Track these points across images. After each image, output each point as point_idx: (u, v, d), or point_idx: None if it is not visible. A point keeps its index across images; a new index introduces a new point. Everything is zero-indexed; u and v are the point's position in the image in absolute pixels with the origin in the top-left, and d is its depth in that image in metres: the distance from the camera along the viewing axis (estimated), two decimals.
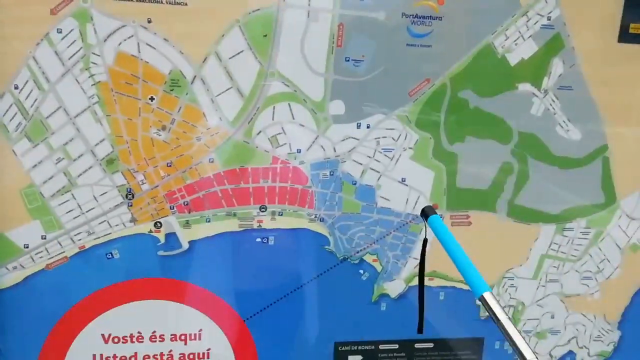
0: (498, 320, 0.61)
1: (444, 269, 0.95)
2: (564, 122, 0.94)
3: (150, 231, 0.83)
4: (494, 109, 0.91)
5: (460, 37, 0.88)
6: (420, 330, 0.85)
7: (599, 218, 1.00)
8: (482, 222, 0.95)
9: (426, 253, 0.83)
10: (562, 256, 1.00)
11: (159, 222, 0.83)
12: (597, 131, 0.96)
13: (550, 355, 1.04)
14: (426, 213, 0.76)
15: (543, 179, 0.96)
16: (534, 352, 0.58)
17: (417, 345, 0.97)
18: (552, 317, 1.03)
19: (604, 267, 1.03)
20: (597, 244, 1.01)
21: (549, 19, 0.90)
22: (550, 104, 0.93)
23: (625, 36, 0.93)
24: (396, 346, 0.96)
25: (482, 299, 0.63)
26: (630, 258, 1.03)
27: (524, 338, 0.59)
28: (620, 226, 1.01)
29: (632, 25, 0.94)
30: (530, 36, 0.90)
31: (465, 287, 0.97)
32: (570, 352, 1.05)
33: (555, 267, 1.00)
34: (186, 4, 0.77)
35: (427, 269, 0.94)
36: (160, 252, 0.84)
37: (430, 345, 0.98)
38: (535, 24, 0.89)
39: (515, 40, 0.89)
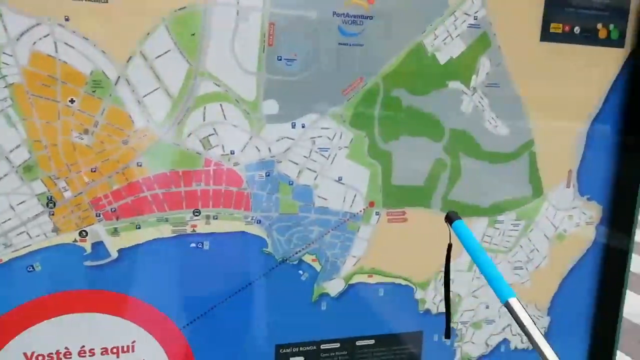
0: (523, 326, 0.59)
1: (382, 266, 0.95)
2: (492, 118, 0.97)
3: (75, 241, 0.78)
4: (426, 107, 0.92)
5: (392, 36, 0.88)
6: (447, 335, 0.81)
7: (528, 210, 1.04)
8: (418, 218, 0.96)
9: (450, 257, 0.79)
10: (494, 248, 1.03)
11: (84, 230, 0.78)
12: (524, 127, 1.00)
13: (486, 344, 1.07)
14: (450, 218, 0.73)
15: (474, 174, 0.98)
16: (557, 355, 0.57)
17: (358, 343, 0.97)
18: (487, 307, 1.05)
19: (534, 257, 1.07)
20: (526, 235, 1.05)
21: (475, 18, 0.91)
22: (479, 101, 0.95)
23: (546, 35, 0.97)
24: (337, 345, 0.96)
25: (507, 305, 0.61)
26: (557, 247, 1.07)
27: (548, 342, 0.57)
28: (548, 217, 1.05)
29: (552, 24, 0.97)
30: (458, 35, 0.91)
31: (404, 283, 0.98)
32: (505, 340, 1.09)
33: None
34: (107, 2, 0.73)
35: (366, 265, 0.94)
36: (87, 263, 0.79)
37: (372, 341, 0.98)
38: (462, 23, 0.91)
39: (444, 40, 0.90)
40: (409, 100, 0.91)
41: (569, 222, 1.08)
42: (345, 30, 0.85)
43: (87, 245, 0.79)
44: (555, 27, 0.98)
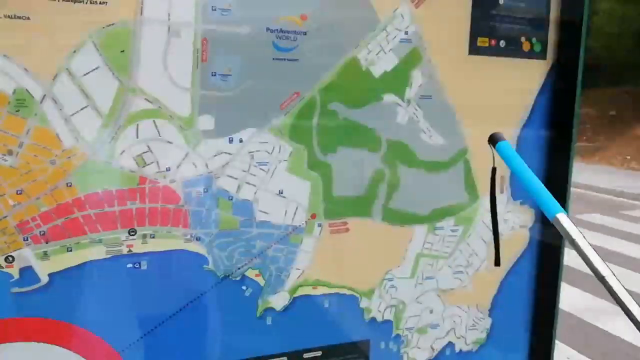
0: (573, 240, 0.56)
1: (326, 277, 0.94)
2: (427, 128, 0.98)
3: (1, 267, 0.73)
4: (362, 119, 0.92)
5: (326, 50, 0.88)
6: (498, 263, 0.81)
7: (465, 216, 1.05)
8: (359, 227, 0.95)
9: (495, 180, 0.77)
10: (435, 254, 1.04)
11: (10, 256, 0.73)
12: (457, 136, 1.02)
13: (432, 348, 1.07)
14: (494, 139, 0.70)
15: (413, 183, 0.99)
16: (608, 267, 0.54)
17: (305, 355, 0.95)
18: (431, 312, 1.06)
19: (473, 260, 1.08)
20: (465, 240, 1.06)
21: (406, 33, 0.93)
22: (414, 113, 0.96)
23: (474, 48, 0.99)
24: (285, 359, 0.93)
25: (556, 221, 0.59)
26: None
27: (598, 254, 0.55)
28: (484, 222, 1.07)
29: (479, 38, 1.00)
30: (391, 49, 0.92)
31: (348, 292, 0.97)
32: (450, 343, 1.09)
33: (430, 264, 1.04)
34: (28, 18, 0.69)
35: (310, 277, 0.93)
36: (15, 289, 0.74)
37: (319, 353, 0.96)
38: (394, 38, 0.92)
39: (377, 54, 0.91)
40: (345, 113, 0.91)
41: (505, 225, 1.10)
42: (279, 46, 0.84)
43: (15, 271, 0.73)
44: (482, 41, 1.01)
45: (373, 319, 1.00)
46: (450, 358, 1.10)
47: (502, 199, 1.08)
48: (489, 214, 1.07)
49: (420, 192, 1.00)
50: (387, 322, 1.02)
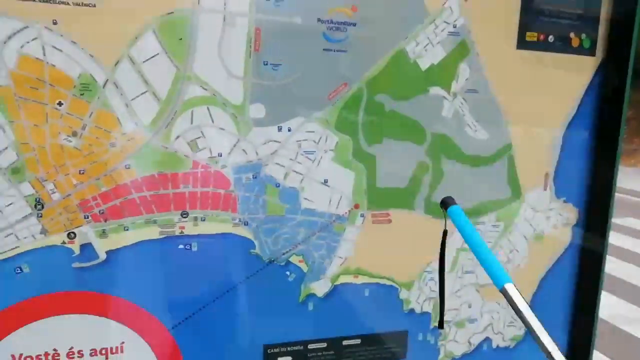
0: (519, 311, 0.57)
1: (367, 266, 0.93)
2: (472, 123, 0.96)
3: (64, 242, 0.75)
4: (408, 111, 0.91)
5: (375, 42, 0.87)
6: (441, 325, 0.78)
7: (507, 211, 1.03)
8: (402, 219, 0.94)
9: (445, 244, 0.76)
10: None
11: (72, 232, 0.75)
12: (502, 131, 0.99)
13: (469, 343, 1.05)
14: (446, 203, 0.70)
15: (456, 176, 0.97)
16: (555, 342, 0.55)
17: (344, 342, 0.94)
18: (470, 306, 1.04)
19: (513, 257, 1.05)
20: (506, 235, 1.04)
21: (454, 26, 0.91)
22: (459, 106, 0.94)
23: (522, 43, 0.97)
24: (324, 345, 0.93)
25: (504, 291, 0.58)
26: (535, 248, 1.06)
27: (544, 328, 0.55)
28: (526, 218, 1.04)
29: (528, 33, 0.97)
30: (438, 42, 0.91)
31: (388, 283, 0.96)
32: (487, 339, 1.07)
33: (470, 259, 1.02)
34: (94, 5, 0.71)
35: (351, 266, 0.92)
36: (75, 264, 0.76)
37: (358, 341, 0.95)
38: (442, 31, 0.90)
39: (425, 46, 0.90)
40: (392, 105, 0.90)
41: (547, 223, 1.07)
42: (329, 37, 0.84)
43: (76, 247, 0.76)
44: (531, 36, 0.98)
45: (412, 311, 0.99)
46: (487, 353, 1.07)
47: (545, 196, 1.05)
48: (532, 211, 1.05)
49: (462, 186, 0.98)
50: (426, 314, 1.00)
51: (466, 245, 0.99)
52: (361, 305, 0.95)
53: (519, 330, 1.09)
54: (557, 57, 1.00)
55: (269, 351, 0.90)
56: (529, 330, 0.56)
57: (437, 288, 1.00)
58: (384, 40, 0.87)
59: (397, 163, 0.93)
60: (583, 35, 1.02)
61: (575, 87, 1.03)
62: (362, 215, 0.91)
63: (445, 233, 0.74)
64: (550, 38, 0.99)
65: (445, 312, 1.01)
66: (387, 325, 0.98)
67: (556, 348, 0.54)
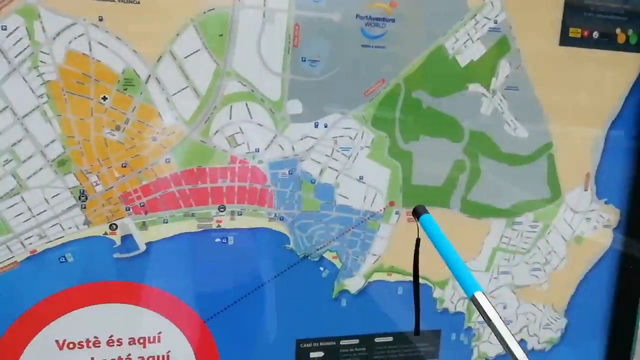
0: (489, 320, 0.56)
1: (401, 264, 0.92)
2: (512, 121, 0.94)
3: (106, 233, 0.77)
4: (446, 108, 0.89)
5: (413, 38, 0.86)
6: (417, 332, 0.78)
7: (546, 212, 1.00)
8: (436, 217, 0.90)
9: (419, 252, 0.76)
10: (512, 249, 0.99)
11: (114, 224, 0.77)
12: (542, 129, 0.96)
13: None
14: (418, 212, 0.70)
15: (493, 175, 0.95)
16: (525, 352, 0.54)
17: (377, 340, 0.94)
18: (505, 307, 1.02)
19: (552, 258, 1.02)
20: (544, 236, 1.01)
21: (495, 22, 0.89)
22: (499, 104, 0.92)
23: (565, 39, 0.93)
24: (357, 341, 0.93)
25: (474, 299, 0.58)
26: (574, 249, 1.03)
27: (515, 338, 0.55)
28: (565, 219, 1.01)
29: (571, 29, 0.94)
30: (478, 38, 0.88)
31: (422, 282, 0.94)
32: (522, 341, 1.05)
33: (506, 259, 0.99)
34: (139, 2, 0.72)
35: (385, 264, 0.92)
36: (116, 255, 0.78)
37: (390, 339, 0.95)
38: (483, 27, 0.88)
39: (464, 43, 0.88)
40: (429, 102, 0.88)
41: (587, 224, 1.03)
42: (367, 33, 0.83)
43: (117, 238, 0.77)
44: (574, 32, 0.95)
45: (445, 310, 0.98)
46: None
47: (586, 196, 1.02)
48: (572, 212, 1.02)
49: (500, 185, 0.96)
50: (459, 314, 0.99)
51: (503, 245, 0.98)
52: (394, 303, 0.94)
53: (555, 333, 1.06)
54: (602, 54, 0.96)
55: (301, 346, 0.90)
56: (499, 339, 0.55)
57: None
58: (422, 37, 0.86)
59: (434, 161, 0.91)
60: (630, 31, 0.97)
61: (619, 86, 0.99)
62: (397, 213, 0.90)
63: (418, 241, 0.75)
64: (595, 34, 0.96)
65: (478, 314, 0.99)
66: (420, 324, 0.96)
67: (525, 356, 0.53)
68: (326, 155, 0.85)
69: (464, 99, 0.90)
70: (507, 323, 1.00)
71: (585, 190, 1.01)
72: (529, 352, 1.05)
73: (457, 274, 0.61)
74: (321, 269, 0.89)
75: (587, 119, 0.99)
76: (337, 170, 0.86)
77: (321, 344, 0.91)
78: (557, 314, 1.05)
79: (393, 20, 0.83)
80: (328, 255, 0.89)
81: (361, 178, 0.88)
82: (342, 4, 0.81)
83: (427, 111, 0.88)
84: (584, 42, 0.95)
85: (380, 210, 0.89)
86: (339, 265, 0.89)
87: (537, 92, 0.94)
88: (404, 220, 0.91)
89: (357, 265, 0.91)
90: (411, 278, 0.93)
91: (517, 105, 0.93)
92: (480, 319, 0.99)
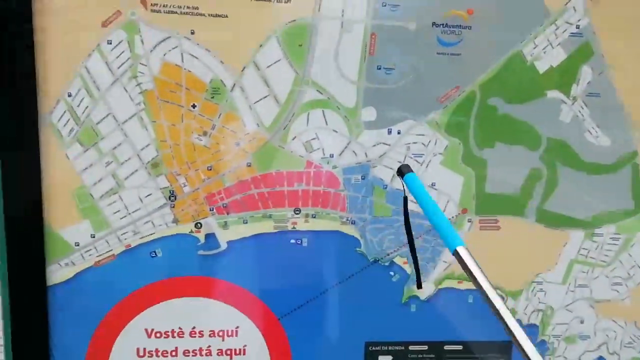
0: (472, 274, 0.56)
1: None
2: (593, 128, 0.89)
3: (191, 231, 0.81)
4: (523, 115, 0.87)
5: (490, 45, 0.84)
6: (419, 286, 0.80)
7: (629, 224, 0.94)
8: (511, 227, 0.90)
9: (407, 209, 0.76)
10: (591, 261, 0.94)
11: (199, 222, 0.81)
12: (627, 138, 0.90)
13: None
14: (402, 171, 0.70)
15: (572, 184, 0.90)
16: (509, 309, 0.55)
17: (446, 347, 0.92)
18: (582, 322, 0.96)
19: (635, 273, 0.96)
20: (627, 250, 0.94)
21: (577, 27, 0.85)
22: (579, 111, 0.88)
23: None
24: (425, 347, 0.92)
25: (456, 253, 0.58)
26: None
27: (498, 293, 0.56)
28: None
29: None
30: (559, 44, 0.85)
31: None
32: (601, 358, 0.98)
33: (584, 272, 0.94)
34: (227, 16, 0.76)
35: (456, 271, 0.90)
36: (200, 252, 0.82)
37: (460, 347, 0.92)
38: (564, 32, 0.85)
39: (544, 48, 0.85)
40: (505, 109, 0.86)
41: None
42: (443, 40, 0.82)
43: (201, 236, 0.82)
44: None
45: (518, 321, 0.93)
46: None
47: None
48: None
49: (579, 195, 0.91)
50: (533, 326, 0.95)
51: (582, 257, 0.93)
52: (464, 312, 0.92)
53: (639, 353, 0.99)
54: None
55: (370, 348, 0.90)
56: (480, 293, 0.55)
57: (546, 299, 0.94)
58: (499, 43, 0.84)
59: (509, 168, 0.88)
60: None
61: None
62: (469, 221, 0.89)
63: (405, 199, 0.76)
64: None
65: (553, 327, 0.95)
66: (491, 334, 0.94)
67: (506, 308, 0.55)
68: (398, 162, 0.85)
69: (542, 105, 0.87)
70: (584, 338, 0.96)
71: None
72: None
73: (440, 229, 0.61)
74: (391, 273, 0.88)
75: None
76: None
77: (390, 348, 0.91)
78: None
79: (470, 28, 0.82)
80: (398, 261, 0.88)
81: (433, 185, 0.87)
82: (418, 12, 0.81)
83: (502, 118, 0.86)
84: None
85: (453, 217, 0.88)
86: (409, 270, 0.89)
87: (622, 98, 0.89)
88: (477, 228, 0.89)
89: (427, 271, 0.90)
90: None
91: (600, 112, 0.88)
92: (555, 332, 0.95)
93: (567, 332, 0.96)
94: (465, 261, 0.57)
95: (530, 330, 0.95)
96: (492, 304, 0.55)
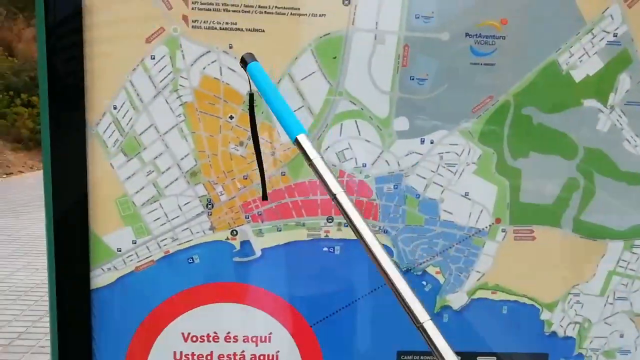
0: (311, 161, 0.56)
1: (507, 283, 0.89)
2: (632, 137, 0.87)
3: (227, 238, 0.83)
4: (558, 124, 0.85)
5: (524, 54, 0.83)
6: (265, 197, 0.80)
7: None
8: (547, 237, 0.88)
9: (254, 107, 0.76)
10: (631, 274, 0.91)
11: (235, 230, 0.83)
12: None
13: None
14: (245, 61, 0.69)
15: (610, 195, 0.88)
16: (360, 213, 0.56)
17: (479, 358, 0.91)
18: (622, 336, 0.93)
19: None
20: None
21: (615, 35, 0.83)
22: (617, 120, 0.86)
23: None
24: (458, 358, 0.90)
25: (297, 141, 0.58)
26: None
27: (341, 185, 0.56)
28: None
29: None
30: (595, 53, 0.84)
31: (529, 302, 0.90)
32: None
33: (624, 284, 0.92)
34: (263, 31, 0.78)
35: (490, 282, 0.89)
36: (236, 258, 0.84)
37: (493, 358, 0.91)
38: (600, 40, 0.83)
39: (580, 57, 0.84)
40: (540, 118, 0.85)
41: None
42: (477, 50, 0.82)
43: (237, 243, 0.84)
44: None
45: (554, 333, 0.92)
46: None
47: None
48: None
49: (618, 206, 0.89)
50: (569, 339, 0.92)
51: (621, 268, 0.91)
52: (498, 323, 0.91)
53: None
54: None
55: (402, 358, 0.90)
56: (318, 177, 0.55)
57: (583, 311, 0.92)
58: (534, 53, 0.83)
59: (544, 178, 0.87)
60: None
61: None
62: (503, 230, 0.88)
63: (251, 96, 0.75)
64: None
65: (591, 341, 0.92)
66: (525, 346, 0.92)
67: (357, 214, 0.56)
68: (431, 171, 0.85)
69: (578, 115, 0.85)
70: (624, 353, 0.93)
71: None
72: None
73: (281, 118, 0.61)
74: (424, 283, 0.88)
75: None
76: (442, 186, 0.86)
77: (422, 357, 0.90)
78: None
79: (503, 38, 0.82)
80: (431, 270, 0.88)
81: (467, 194, 0.86)
82: (451, 23, 0.81)
83: (537, 127, 0.85)
84: None
85: (486, 227, 0.87)
86: (442, 280, 0.88)
87: None
88: (511, 238, 0.88)
89: (460, 281, 0.89)
90: (517, 298, 0.90)
91: (639, 121, 0.86)
92: (593, 346, 0.92)
93: (605, 345, 0.93)
94: (306, 149, 0.57)
95: (567, 342, 0.93)
96: (329, 189, 0.55)
